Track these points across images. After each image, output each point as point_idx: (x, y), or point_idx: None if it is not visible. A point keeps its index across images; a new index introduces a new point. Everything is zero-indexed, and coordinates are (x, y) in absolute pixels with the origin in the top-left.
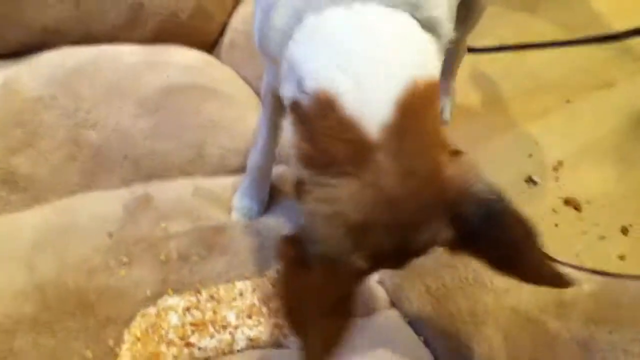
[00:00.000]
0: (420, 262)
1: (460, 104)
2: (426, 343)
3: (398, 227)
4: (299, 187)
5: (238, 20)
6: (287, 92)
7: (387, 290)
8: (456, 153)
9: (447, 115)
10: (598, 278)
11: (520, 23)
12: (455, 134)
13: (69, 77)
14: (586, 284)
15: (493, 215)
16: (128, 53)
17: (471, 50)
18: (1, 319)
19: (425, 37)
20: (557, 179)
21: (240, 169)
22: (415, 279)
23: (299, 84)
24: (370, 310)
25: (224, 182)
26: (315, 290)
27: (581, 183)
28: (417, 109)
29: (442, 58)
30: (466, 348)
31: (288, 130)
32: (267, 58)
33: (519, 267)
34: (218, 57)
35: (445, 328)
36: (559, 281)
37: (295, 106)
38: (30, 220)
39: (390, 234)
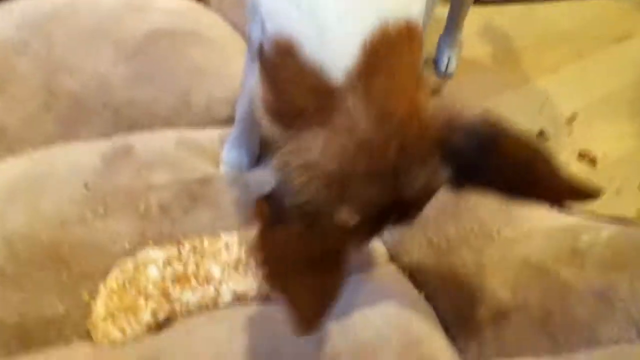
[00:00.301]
0: (424, 213)
1: (468, 58)
2: (427, 298)
3: (382, 174)
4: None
5: None
6: (253, 34)
7: (386, 244)
8: (435, 91)
9: (452, 68)
10: (616, 226)
11: None
12: (463, 88)
13: (42, 21)
14: (604, 231)
15: (487, 142)
16: None
17: (479, 1)
18: None
19: None
20: (570, 133)
21: (229, 120)
22: (416, 231)
23: (263, 27)
24: (367, 265)
25: (212, 134)
26: (296, 246)
27: (595, 137)
28: (389, 52)
29: None
30: (470, 302)
31: (257, 80)
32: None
33: (534, 188)
34: (208, 3)
35: (447, 282)
36: (585, 191)
37: (261, 52)
38: (3, 171)
39: (375, 183)
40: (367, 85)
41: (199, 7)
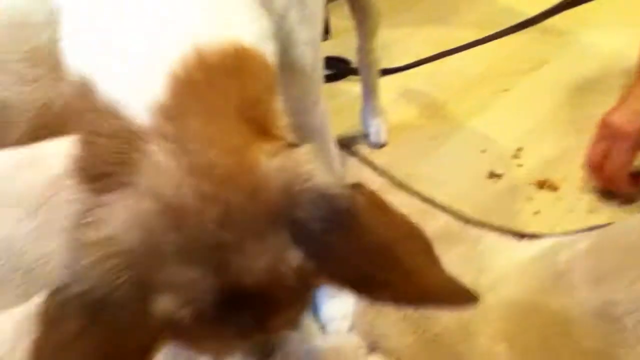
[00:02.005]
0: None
1: (396, 123)
2: None
3: (202, 252)
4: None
5: None
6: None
7: (360, 335)
8: (290, 146)
9: (383, 137)
10: (592, 233)
11: (432, 35)
12: (400, 153)
13: None
14: (581, 243)
15: (339, 216)
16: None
17: (389, 71)
18: None
19: None
20: (520, 165)
21: None
22: (386, 309)
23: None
24: None
25: None
26: (74, 348)
27: (548, 163)
28: (208, 86)
29: (287, 26)
30: None
31: None
32: None
33: (401, 280)
34: None
35: (436, 355)
36: (462, 296)
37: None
38: None
39: (194, 264)
40: (177, 130)
41: None
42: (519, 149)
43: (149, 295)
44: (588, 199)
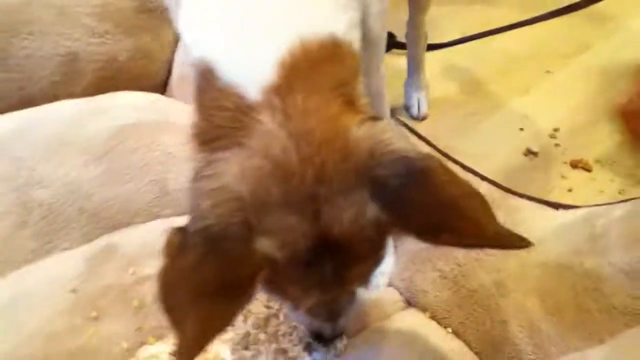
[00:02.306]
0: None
1: (438, 97)
2: (456, 334)
3: (300, 202)
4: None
5: (182, 53)
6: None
7: (399, 290)
8: (373, 119)
9: (424, 110)
10: (627, 203)
11: (481, 14)
12: (440, 127)
13: (4, 141)
14: (616, 210)
15: (415, 174)
16: (67, 106)
17: (435, 47)
18: None
19: None
20: (557, 145)
21: None
22: (425, 267)
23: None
24: (384, 314)
25: None
26: (191, 274)
27: (583, 144)
28: (309, 69)
29: (368, 10)
30: (500, 324)
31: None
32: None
33: (461, 229)
34: (170, 96)
35: (470, 310)
36: (516, 241)
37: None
38: None
39: (293, 211)
40: (285, 102)
41: (161, 98)
42: (556, 129)
43: (254, 236)
44: (619, 181)
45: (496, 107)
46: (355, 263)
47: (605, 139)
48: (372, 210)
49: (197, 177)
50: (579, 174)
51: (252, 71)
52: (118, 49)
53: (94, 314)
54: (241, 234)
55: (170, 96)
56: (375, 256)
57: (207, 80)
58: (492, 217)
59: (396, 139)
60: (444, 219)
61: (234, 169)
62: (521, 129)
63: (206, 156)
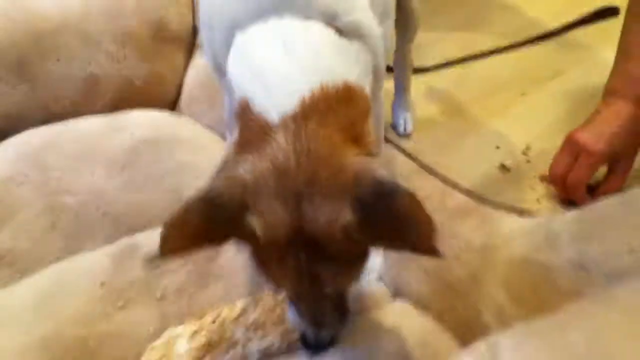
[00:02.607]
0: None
1: (420, 117)
2: (436, 319)
3: (288, 195)
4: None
5: (192, 77)
6: (231, 109)
7: (386, 284)
8: (369, 155)
9: (409, 128)
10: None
11: (462, 40)
12: (422, 143)
13: (36, 153)
14: (570, 213)
15: (388, 196)
16: (91, 123)
17: (420, 70)
18: None
19: (341, 42)
20: (528, 161)
21: None
22: (410, 264)
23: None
24: (375, 304)
25: None
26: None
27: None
28: (322, 107)
29: (374, 61)
30: (474, 312)
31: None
32: (219, 74)
33: (409, 242)
34: (180, 114)
35: (449, 300)
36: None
37: (236, 109)
38: (20, 290)
39: (281, 201)
40: (298, 127)
41: (173, 116)
42: (528, 147)
43: (245, 213)
44: None
45: (475, 126)
46: (325, 261)
47: None
48: (345, 219)
49: (222, 166)
50: (546, 187)
51: (278, 103)
52: (135, 73)
53: (121, 303)
54: (235, 207)
55: (180, 114)
56: (344, 262)
57: (244, 110)
58: (430, 238)
59: (381, 170)
60: (400, 233)
61: (247, 166)
62: (497, 147)
63: (236, 157)
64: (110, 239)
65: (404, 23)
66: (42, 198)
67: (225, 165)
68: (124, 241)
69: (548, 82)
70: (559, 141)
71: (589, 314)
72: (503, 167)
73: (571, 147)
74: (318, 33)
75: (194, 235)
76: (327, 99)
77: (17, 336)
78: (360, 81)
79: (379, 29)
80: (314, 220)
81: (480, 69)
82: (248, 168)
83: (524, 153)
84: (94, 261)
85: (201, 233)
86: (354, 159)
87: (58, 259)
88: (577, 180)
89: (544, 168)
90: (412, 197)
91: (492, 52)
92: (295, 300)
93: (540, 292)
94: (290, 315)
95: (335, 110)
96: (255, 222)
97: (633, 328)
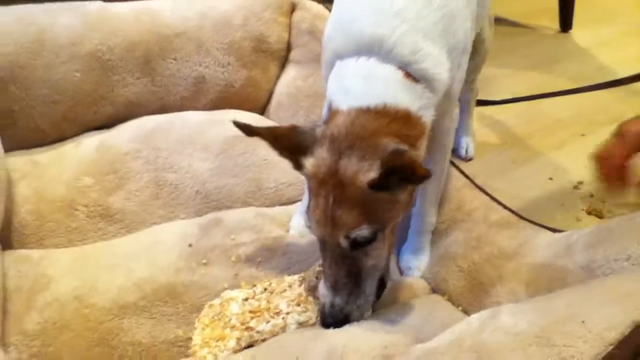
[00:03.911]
0: (453, 249)
1: (482, 142)
2: (464, 311)
3: (335, 152)
4: None
5: (282, 86)
6: (326, 108)
7: (427, 280)
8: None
9: (470, 152)
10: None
11: (533, 79)
12: (482, 168)
13: (149, 134)
14: (588, 228)
15: (403, 162)
16: (195, 115)
17: (487, 103)
18: (111, 304)
19: (407, 82)
20: (579, 196)
21: (294, 200)
22: (449, 263)
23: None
24: (413, 295)
25: (280, 210)
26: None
27: (602, 196)
28: (378, 114)
29: (438, 96)
30: (496, 304)
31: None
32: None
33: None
34: (268, 117)
35: (478, 295)
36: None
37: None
38: (125, 242)
39: (330, 153)
40: (355, 116)
41: (262, 118)
42: (580, 182)
43: (303, 155)
44: None
45: (531, 158)
46: (345, 206)
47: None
48: (371, 173)
49: (319, 130)
50: (592, 219)
51: (347, 103)
52: (235, 77)
53: (204, 261)
54: (298, 149)
55: (267, 118)
56: (357, 213)
57: (330, 106)
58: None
59: (403, 149)
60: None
61: (320, 130)
62: (550, 179)
63: (320, 125)
64: (199, 213)
65: (474, 53)
66: (150, 172)
67: (314, 126)
68: (211, 215)
69: (608, 126)
70: None
71: (574, 290)
72: (554, 200)
73: (621, 135)
74: (390, 73)
75: (277, 137)
76: (385, 113)
77: (119, 277)
78: (420, 112)
79: (447, 74)
80: (345, 170)
81: (545, 107)
82: (320, 130)
83: (576, 187)
84: (185, 227)
85: (282, 140)
86: (388, 139)
87: (157, 223)
88: (621, 157)
89: (593, 203)
90: (416, 159)
91: (557, 93)
92: (324, 262)
93: (553, 289)
94: (320, 287)
95: (387, 117)
96: (309, 161)
97: (607, 298)
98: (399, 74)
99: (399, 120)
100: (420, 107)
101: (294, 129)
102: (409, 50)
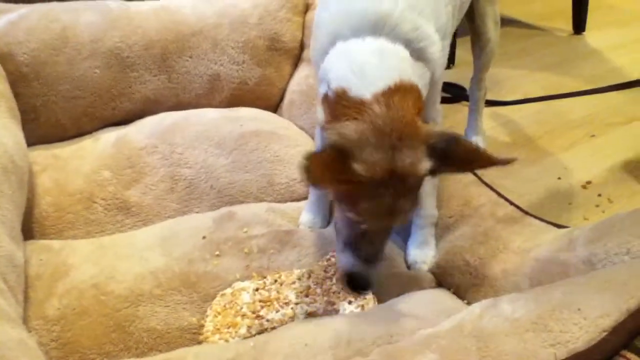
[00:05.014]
0: (459, 243)
1: (492, 142)
2: (469, 304)
3: (384, 147)
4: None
5: (294, 84)
6: (320, 89)
7: (433, 274)
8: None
9: None
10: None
11: (545, 80)
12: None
13: (166, 130)
14: (590, 224)
15: (452, 144)
16: (210, 112)
17: (500, 103)
18: (128, 292)
19: (410, 59)
20: (586, 195)
21: (305, 197)
22: (455, 257)
23: (328, 84)
24: (419, 287)
25: (291, 206)
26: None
27: (609, 196)
28: (401, 90)
29: (432, 74)
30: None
31: (319, 112)
32: (316, 68)
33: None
34: (280, 115)
35: (482, 288)
36: (498, 161)
37: (325, 98)
38: (142, 234)
39: (378, 150)
40: (387, 100)
41: (275, 116)
42: (588, 182)
43: (350, 160)
44: None
45: (540, 157)
46: (405, 196)
47: (629, 194)
48: (425, 163)
49: (332, 129)
50: (599, 218)
51: (369, 88)
52: (249, 75)
53: (217, 253)
54: (340, 156)
55: (280, 114)
56: (414, 197)
57: (340, 96)
58: (482, 155)
59: (440, 129)
60: (462, 162)
61: (348, 129)
62: (559, 178)
63: (334, 124)
64: (213, 207)
65: (480, 52)
66: (166, 167)
67: (332, 130)
68: (224, 209)
69: (619, 127)
70: (621, 180)
71: (572, 281)
72: (561, 197)
73: None
74: (401, 51)
75: (330, 171)
76: (403, 87)
77: (135, 267)
78: (419, 84)
79: (440, 53)
80: (402, 164)
81: (557, 108)
82: (350, 129)
83: (584, 187)
84: (199, 220)
85: (333, 171)
86: (421, 124)
87: (172, 216)
88: None
89: (601, 203)
90: (464, 140)
91: (570, 94)
92: (357, 240)
93: (555, 281)
94: (343, 260)
95: (408, 93)
96: (360, 168)
97: (603, 287)
98: (406, 52)
99: (418, 99)
100: (422, 87)
101: (331, 146)
102: (410, 27)
